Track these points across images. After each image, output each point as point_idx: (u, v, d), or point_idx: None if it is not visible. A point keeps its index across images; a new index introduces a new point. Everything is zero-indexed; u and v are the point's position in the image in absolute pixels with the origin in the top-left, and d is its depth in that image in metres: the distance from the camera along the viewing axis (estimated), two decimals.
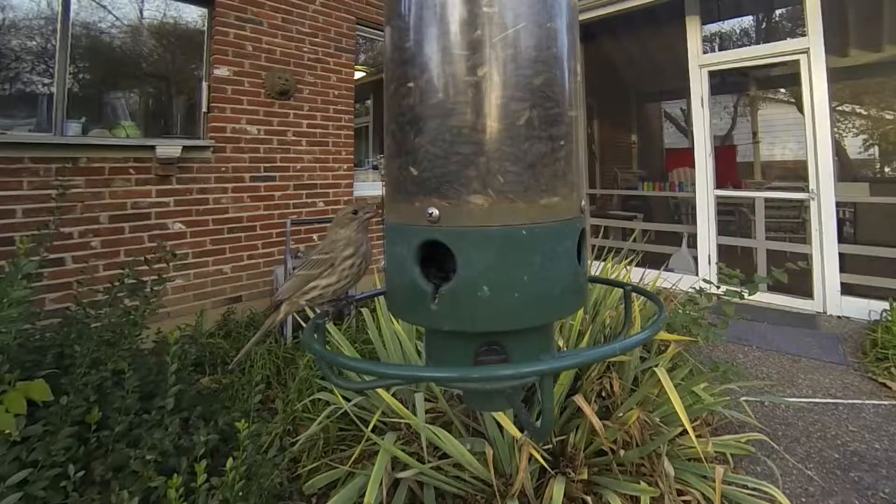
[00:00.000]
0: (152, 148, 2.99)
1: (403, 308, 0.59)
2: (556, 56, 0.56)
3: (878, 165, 6.65)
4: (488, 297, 0.52)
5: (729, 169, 6.27)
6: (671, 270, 4.44)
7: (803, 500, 1.70)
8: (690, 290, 2.41)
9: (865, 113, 6.48)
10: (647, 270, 3.14)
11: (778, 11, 5.37)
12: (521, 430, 1.43)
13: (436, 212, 0.53)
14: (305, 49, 3.91)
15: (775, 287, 2.69)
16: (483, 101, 0.52)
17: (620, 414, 1.62)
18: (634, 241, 4.92)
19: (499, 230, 0.52)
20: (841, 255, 3.71)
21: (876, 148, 6.57)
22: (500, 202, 0.52)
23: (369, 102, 5.47)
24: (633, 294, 0.81)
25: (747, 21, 5.81)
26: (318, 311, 0.74)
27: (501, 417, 1.46)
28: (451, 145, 0.52)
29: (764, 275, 2.45)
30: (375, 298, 2.15)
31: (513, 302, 0.52)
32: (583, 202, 0.61)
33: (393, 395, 1.59)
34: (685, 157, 5.37)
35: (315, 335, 0.65)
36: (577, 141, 0.59)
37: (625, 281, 2.57)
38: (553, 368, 0.51)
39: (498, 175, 0.52)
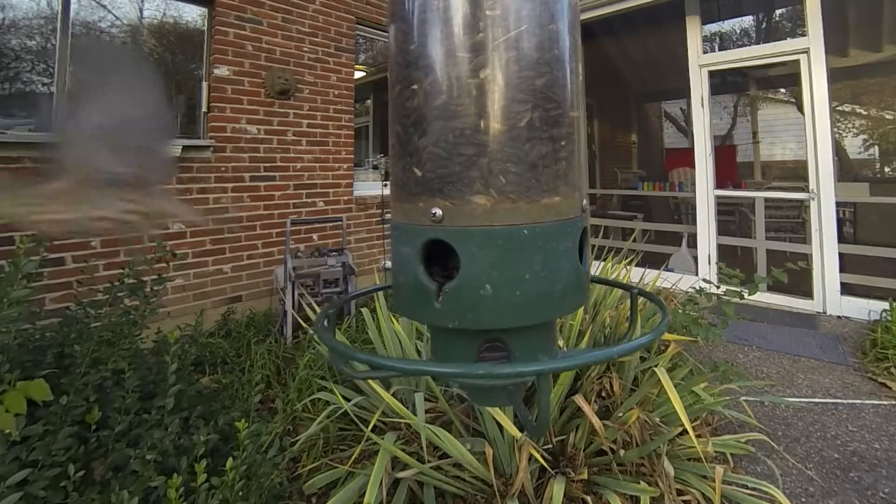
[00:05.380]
0: None
1: (408, 306, 0.60)
2: (557, 58, 0.56)
3: (878, 165, 6.65)
4: (490, 295, 0.52)
5: (729, 169, 6.28)
6: (671, 270, 4.44)
7: (803, 499, 1.70)
8: (690, 289, 2.41)
9: (865, 113, 6.48)
10: (647, 270, 3.14)
11: (778, 11, 5.37)
12: (522, 430, 1.44)
13: (439, 212, 0.54)
14: (305, 49, 3.90)
15: (775, 287, 2.68)
16: (485, 102, 0.53)
17: (620, 414, 1.62)
18: (634, 240, 4.92)
19: (501, 230, 0.53)
20: (841, 255, 3.71)
21: (876, 148, 6.58)
22: (502, 202, 0.53)
23: (369, 102, 5.47)
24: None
25: (747, 21, 5.81)
26: (323, 308, 0.74)
27: (501, 417, 1.46)
28: (454, 146, 0.53)
29: (764, 275, 2.45)
30: (375, 299, 2.15)
31: (514, 300, 0.53)
32: (584, 202, 0.62)
33: (393, 394, 1.59)
34: (685, 156, 5.38)
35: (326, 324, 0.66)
36: (579, 141, 0.60)
37: (625, 281, 2.57)
38: (550, 369, 0.52)
39: (500, 175, 0.53)
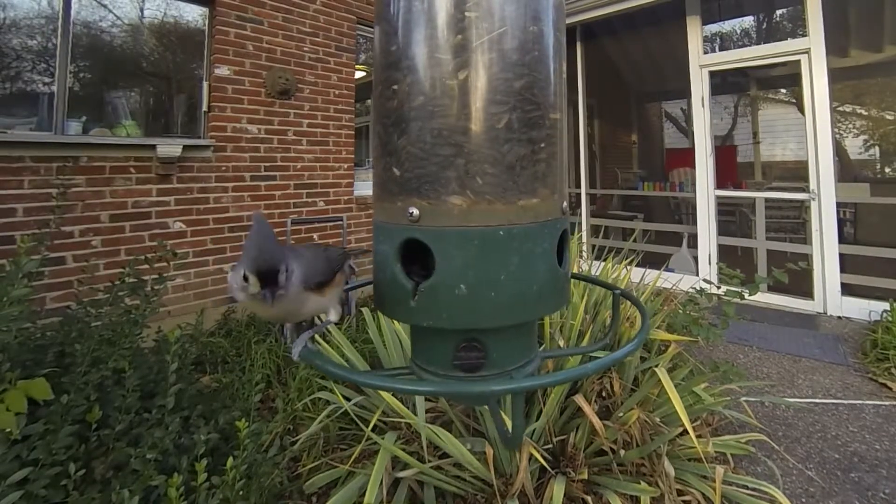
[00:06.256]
0: (153, 147, 2.99)
1: (386, 304, 0.60)
2: (539, 59, 0.56)
3: (878, 166, 6.64)
4: (465, 295, 0.52)
5: (729, 169, 6.27)
6: (671, 270, 4.44)
7: (803, 500, 1.70)
8: (691, 290, 2.41)
9: (866, 113, 6.47)
10: (648, 270, 3.14)
11: (779, 12, 5.36)
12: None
13: (416, 211, 0.54)
14: (306, 48, 3.91)
15: (776, 287, 2.69)
16: (463, 104, 0.52)
17: (621, 414, 1.62)
18: (635, 241, 4.92)
19: (476, 230, 0.53)
20: (841, 256, 3.71)
21: (877, 148, 6.56)
22: (478, 203, 0.53)
23: (370, 102, 5.47)
24: (631, 291, 0.81)
25: (748, 21, 5.80)
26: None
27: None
28: (431, 147, 0.53)
29: (764, 275, 2.45)
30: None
31: (489, 300, 0.53)
32: (564, 203, 0.61)
33: (393, 394, 1.59)
34: (686, 157, 5.37)
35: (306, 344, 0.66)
36: (560, 143, 0.59)
37: (625, 282, 2.57)
38: (513, 388, 0.53)
39: (476, 177, 0.53)
